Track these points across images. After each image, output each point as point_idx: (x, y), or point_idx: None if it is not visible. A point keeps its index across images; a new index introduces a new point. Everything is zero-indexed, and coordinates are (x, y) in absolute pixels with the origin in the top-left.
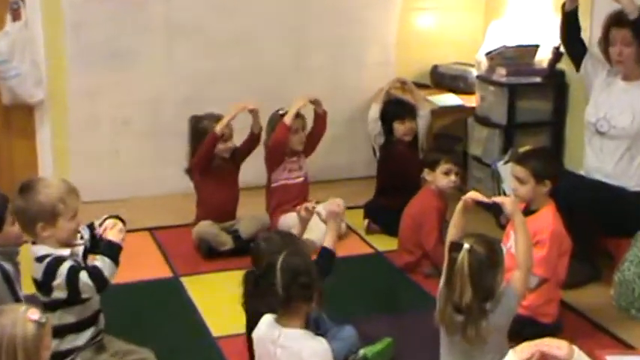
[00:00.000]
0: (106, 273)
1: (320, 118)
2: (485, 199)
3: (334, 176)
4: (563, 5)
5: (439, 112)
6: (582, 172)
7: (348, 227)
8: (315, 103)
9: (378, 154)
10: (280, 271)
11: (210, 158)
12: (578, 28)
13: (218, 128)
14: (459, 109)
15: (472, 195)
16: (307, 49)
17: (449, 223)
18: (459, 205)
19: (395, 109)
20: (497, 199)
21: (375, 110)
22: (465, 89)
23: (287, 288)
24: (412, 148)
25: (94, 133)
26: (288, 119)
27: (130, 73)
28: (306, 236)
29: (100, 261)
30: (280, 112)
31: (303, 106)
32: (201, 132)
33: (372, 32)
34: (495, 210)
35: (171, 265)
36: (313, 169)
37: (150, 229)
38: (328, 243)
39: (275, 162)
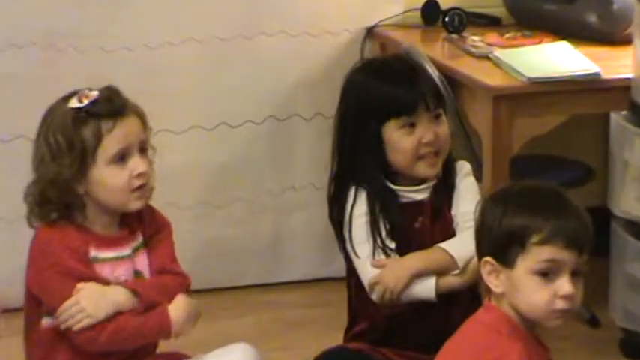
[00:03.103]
0: None
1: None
2: None
3: (235, 280)
4: None
5: (528, 92)
6: None
7: None
8: None
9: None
10: None
11: None
12: None
13: None
14: (587, 84)
15: None
16: None
17: None
18: None
19: (380, 86)
20: None
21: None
22: (601, 32)
23: None
24: (442, 202)
25: None
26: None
27: None
28: None
29: None
30: (77, 103)
31: None
32: None
33: None
34: None
35: None
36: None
37: None
38: None
39: None
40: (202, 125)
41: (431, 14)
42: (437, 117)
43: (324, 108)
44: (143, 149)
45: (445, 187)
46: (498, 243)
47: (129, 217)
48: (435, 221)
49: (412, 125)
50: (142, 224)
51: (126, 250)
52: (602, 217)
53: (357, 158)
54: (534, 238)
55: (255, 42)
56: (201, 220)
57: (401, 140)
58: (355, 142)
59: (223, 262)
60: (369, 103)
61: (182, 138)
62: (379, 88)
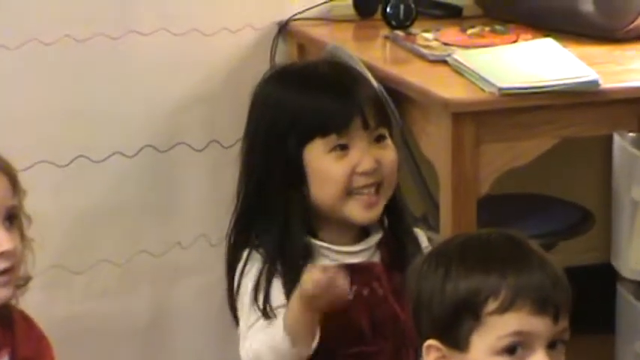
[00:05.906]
0: None
1: None
2: None
3: None
4: None
5: (500, 108)
6: None
7: None
8: None
9: None
10: None
11: None
12: None
13: None
14: (581, 97)
15: None
16: None
17: None
18: None
19: (300, 95)
20: None
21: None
22: (600, 26)
23: None
24: (390, 265)
25: None
26: None
27: None
28: None
29: None
30: None
31: None
32: None
33: None
34: None
35: None
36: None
37: None
38: None
39: None
40: (52, 160)
41: (367, 3)
42: (379, 139)
43: (221, 134)
44: (11, 217)
45: (394, 241)
46: (443, 318)
47: None
48: (377, 290)
49: (344, 148)
50: (12, 340)
51: None
52: (606, 278)
53: (266, 194)
54: (491, 306)
55: (125, 43)
56: (54, 291)
57: (329, 167)
58: (265, 173)
59: (85, 347)
60: (285, 118)
61: (26, 177)
62: (299, 98)
